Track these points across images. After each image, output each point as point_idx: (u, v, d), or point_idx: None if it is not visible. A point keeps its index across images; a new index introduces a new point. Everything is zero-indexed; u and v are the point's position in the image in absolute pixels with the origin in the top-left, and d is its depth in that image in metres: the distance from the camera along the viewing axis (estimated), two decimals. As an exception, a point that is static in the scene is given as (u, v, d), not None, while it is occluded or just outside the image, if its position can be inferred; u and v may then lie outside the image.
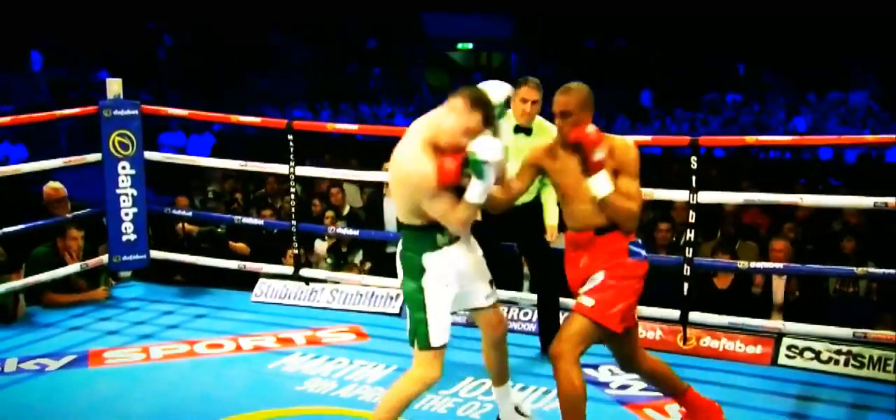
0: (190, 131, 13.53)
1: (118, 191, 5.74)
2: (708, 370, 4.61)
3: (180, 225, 6.54)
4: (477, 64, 26.54)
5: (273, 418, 3.99)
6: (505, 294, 5.12)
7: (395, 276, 5.60)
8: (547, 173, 3.51)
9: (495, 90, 3.30)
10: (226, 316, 5.49)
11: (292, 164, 5.47)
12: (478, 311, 3.50)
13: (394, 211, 6.48)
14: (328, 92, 19.47)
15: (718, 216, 6.96)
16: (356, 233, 5.94)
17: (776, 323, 4.84)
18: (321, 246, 6.84)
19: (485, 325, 3.54)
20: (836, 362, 4.55)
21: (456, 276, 3.31)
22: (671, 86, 19.25)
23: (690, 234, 4.71)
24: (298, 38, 21.89)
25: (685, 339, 4.83)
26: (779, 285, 5.62)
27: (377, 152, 9.70)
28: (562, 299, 4.70)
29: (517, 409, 3.72)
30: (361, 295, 5.60)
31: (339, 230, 6.07)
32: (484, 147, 3.09)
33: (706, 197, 4.70)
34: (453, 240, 3.29)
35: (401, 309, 5.46)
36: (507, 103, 3.38)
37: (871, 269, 4.73)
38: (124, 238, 5.78)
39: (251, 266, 5.83)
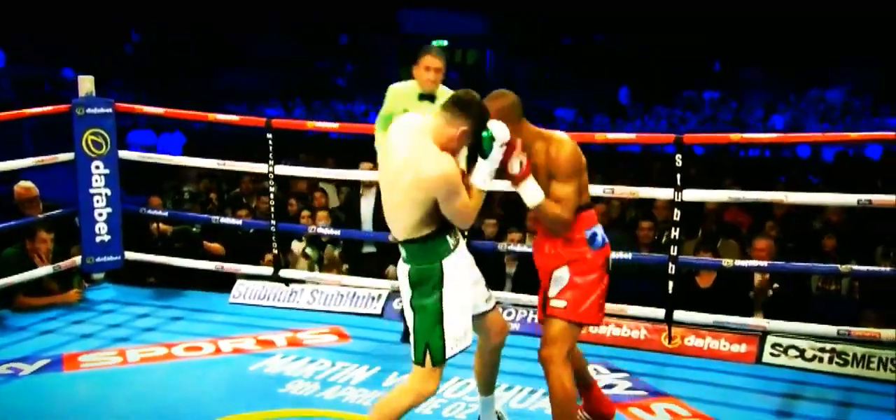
0: (160, 130, 13.44)
1: (91, 191, 5.70)
2: (693, 369, 4.69)
3: (155, 225, 6.50)
4: (451, 61, 26.61)
5: (256, 421, 4.01)
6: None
7: (373, 275, 5.73)
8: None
9: (499, 129, 3.22)
10: (203, 318, 5.48)
11: (271, 163, 5.46)
12: (480, 316, 3.41)
13: (371, 209, 6.51)
14: (300, 89, 19.42)
15: (700, 215, 7.05)
16: (337, 232, 5.95)
17: (761, 321, 4.91)
18: (297, 246, 6.83)
19: (486, 329, 3.45)
20: (821, 360, 4.64)
21: (469, 277, 3.28)
22: (648, 83, 19.40)
23: (675, 233, 4.77)
24: (269, 33, 21.81)
25: (670, 338, 4.89)
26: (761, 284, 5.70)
27: (354, 151, 9.74)
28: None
29: (499, 418, 3.71)
30: (342, 296, 5.61)
31: (320, 229, 6.07)
32: (497, 127, 3.16)
33: (691, 195, 4.76)
34: (458, 238, 3.27)
35: (382, 310, 5.48)
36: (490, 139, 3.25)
37: (855, 267, 4.81)
38: (98, 239, 5.74)
39: (229, 267, 5.82)
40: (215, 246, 6.65)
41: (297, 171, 5.89)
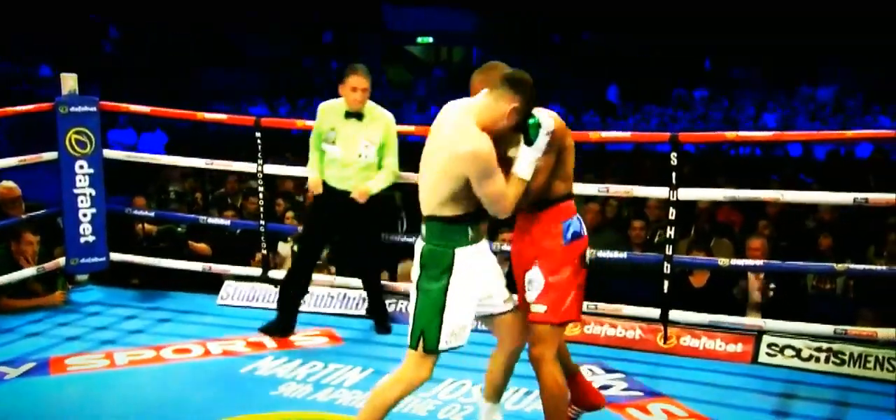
0: (140, 128, 13.38)
1: (75, 190, 5.71)
2: (688, 369, 4.74)
3: (141, 226, 6.50)
4: (437, 59, 26.60)
5: (248, 424, 4.02)
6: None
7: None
8: None
9: (545, 118, 3.23)
10: (191, 320, 5.48)
11: (260, 162, 5.48)
12: (496, 318, 3.42)
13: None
14: (284, 87, 19.37)
15: (692, 214, 7.11)
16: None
17: (757, 321, 4.97)
18: (284, 247, 6.84)
19: (505, 333, 3.46)
20: (817, 360, 4.69)
21: (482, 276, 3.29)
22: (638, 81, 19.49)
23: (671, 232, 4.82)
24: (252, 31, 21.75)
25: (666, 338, 4.94)
26: (755, 284, 5.77)
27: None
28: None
29: None
30: (332, 297, 5.63)
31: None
32: (543, 115, 3.20)
33: (687, 193, 4.81)
34: (479, 237, 3.28)
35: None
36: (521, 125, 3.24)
37: (852, 266, 4.88)
38: (82, 240, 5.74)
39: (217, 268, 5.83)
40: (201, 246, 6.65)
41: (289, 170, 5.89)
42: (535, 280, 3.38)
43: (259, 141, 5.46)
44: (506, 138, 3.22)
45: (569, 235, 3.38)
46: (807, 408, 4.28)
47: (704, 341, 4.95)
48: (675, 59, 20.60)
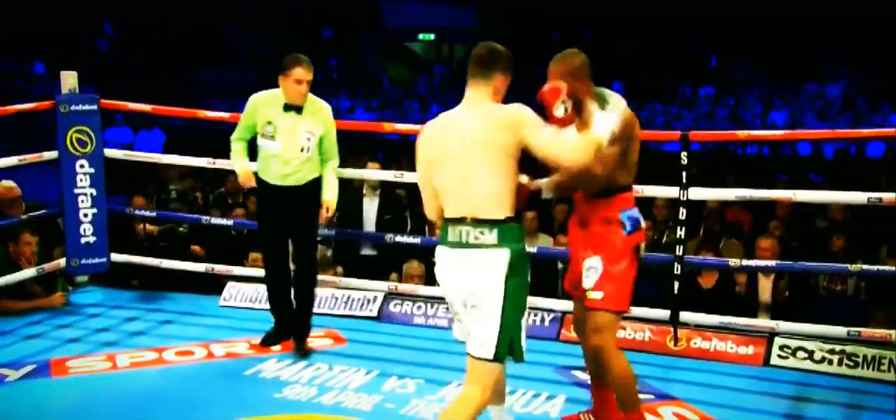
0: (138, 127, 13.41)
1: (76, 190, 5.72)
2: (699, 371, 4.75)
3: (141, 226, 6.52)
4: (438, 56, 26.61)
5: (254, 427, 4.03)
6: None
7: (367, 277, 5.73)
8: None
9: (616, 100, 3.33)
10: (193, 321, 5.49)
11: (263, 161, 5.47)
12: None
13: (375, 211, 6.53)
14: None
15: (700, 214, 7.13)
16: (331, 233, 5.98)
17: (769, 322, 4.98)
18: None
19: None
20: (830, 362, 4.70)
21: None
22: (642, 79, 19.50)
23: (681, 232, 4.83)
24: (249, 27, 21.76)
25: (676, 340, 4.95)
26: (765, 285, 5.79)
27: (342, 147, 9.73)
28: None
29: None
30: (336, 298, 5.65)
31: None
32: (615, 98, 3.32)
33: (697, 193, 4.82)
34: None
35: (379, 312, 5.53)
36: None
37: (865, 267, 4.89)
38: (83, 240, 5.76)
39: (220, 269, 5.84)
40: (196, 248, 6.66)
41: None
42: (594, 267, 3.53)
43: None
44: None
45: (629, 226, 3.54)
46: (820, 411, 4.29)
47: (715, 343, 4.96)
48: (680, 56, 20.61)
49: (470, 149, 3.09)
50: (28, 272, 5.55)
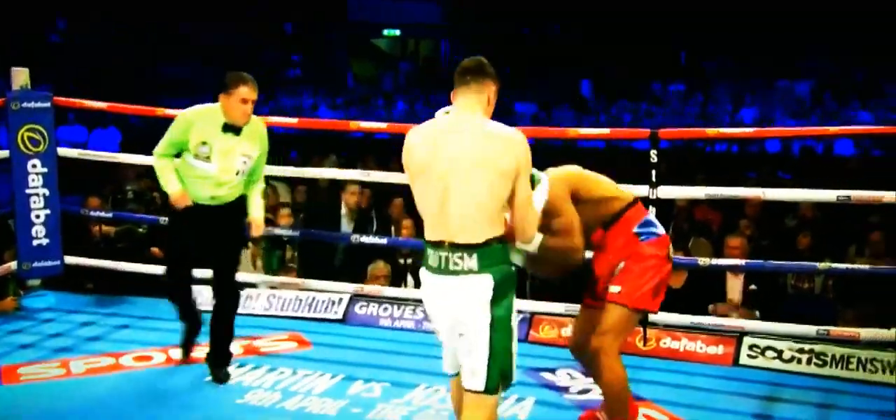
0: (92, 125, 13.25)
1: (28, 191, 5.65)
2: (669, 372, 4.79)
3: (97, 227, 6.44)
4: (404, 52, 26.59)
5: (214, 434, 4.01)
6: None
7: (331, 278, 5.71)
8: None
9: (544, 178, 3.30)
10: (151, 326, 5.44)
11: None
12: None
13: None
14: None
15: (670, 212, 7.19)
16: (296, 233, 5.96)
17: (738, 322, 5.04)
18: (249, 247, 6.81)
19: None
20: (799, 361, 4.77)
21: None
22: (611, 75, 19.64)
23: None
24: (209, 21, 21.57)
25: (645, 340, 4.99)
26: (734, 284, 5.85)
27: (310, 147, 9.73)
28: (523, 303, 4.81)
29: None
30: (300, 301, 5.63)
31: (278, 230, 6.06)
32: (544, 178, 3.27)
33: (667, 192, 4.86)
34: None
35: (344, 315, 5.52)
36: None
37: (833, 265, 4.96)
38: (35, 242, 5.68)
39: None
40: (155, 250, 6.58)
41: (274, 170, 5.78)
42: (618, 266, 3.65)
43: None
44: None
45: (644, 236, 3.65)
46: (789, 410, 4.34)
47: (685, 343, 5.01)
48: (650, 52, 20.76)
49: (458, 166, 2.92)
50: (-23, 276, 5.48)
